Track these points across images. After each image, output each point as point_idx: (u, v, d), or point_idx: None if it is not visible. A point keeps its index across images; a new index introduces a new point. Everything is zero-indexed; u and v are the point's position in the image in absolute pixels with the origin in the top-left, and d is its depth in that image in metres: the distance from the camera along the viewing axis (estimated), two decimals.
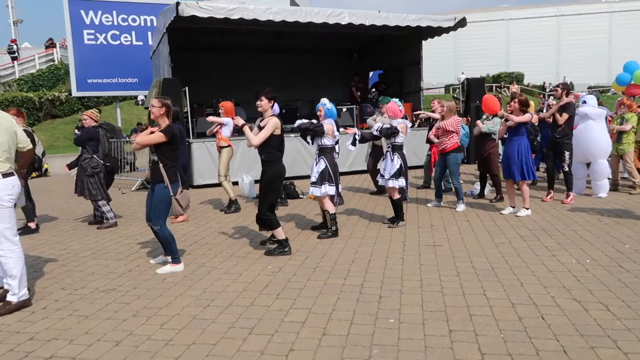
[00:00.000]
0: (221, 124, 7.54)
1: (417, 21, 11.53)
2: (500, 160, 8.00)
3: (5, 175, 3.83)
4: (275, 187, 5.24)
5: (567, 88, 7.70)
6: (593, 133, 7.60)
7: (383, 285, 4.18)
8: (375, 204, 7.92)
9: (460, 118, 8.58)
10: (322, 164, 5.81)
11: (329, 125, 5.78)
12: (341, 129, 6.26)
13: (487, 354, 2.97)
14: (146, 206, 4.87)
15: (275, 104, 5.27)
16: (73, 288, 4.39)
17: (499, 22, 47.84)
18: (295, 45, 14.28)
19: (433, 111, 8.31)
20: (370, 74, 17.22)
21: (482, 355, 2.95)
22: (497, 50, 46.81)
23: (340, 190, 6.05)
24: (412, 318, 3.50)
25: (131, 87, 16.86)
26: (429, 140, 8.74)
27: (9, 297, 3.87)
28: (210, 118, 7.85)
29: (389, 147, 6.33)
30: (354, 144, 6.10)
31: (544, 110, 8.09)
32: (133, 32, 16.34)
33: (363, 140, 6.41)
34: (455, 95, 15.54)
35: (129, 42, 16.31)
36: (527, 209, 6.70)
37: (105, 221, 6.88)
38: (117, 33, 16.16)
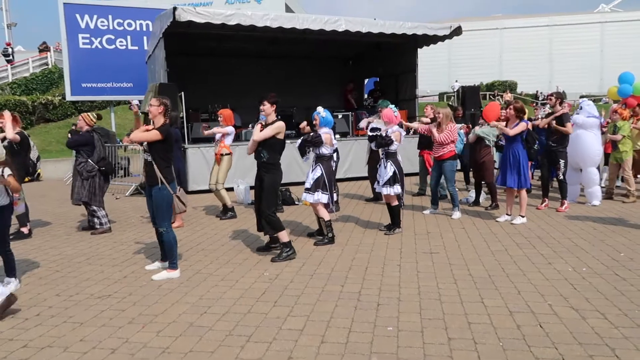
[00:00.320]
0: (225, 134, 7.51)
1: (412, 29, 11.60)
2: (496, 167, 8.05)
3: None
4: (277, 189, 5.33)
5: (561, 97, 7.78)
6: (584, 141, 7.66)
7: (381, 293, 4.16)
8: (371, 211, 7.91)
9: (460, 125, 8.64)
10: (319, 171, 5.82)
11: (326, 135, 5.81)
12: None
13: None
14: (149, 210, 4.86)
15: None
16: (67, 294, 4.34)
17: (492, 31, 48.24)
18: (292, 52, 14.31)
19: (427, 117, 8.36)
20: (366, 81, 17.30)
21: None
22: (490, 58, 47.18)
23: (336, 198, 6.04)
24: (411, 326, 3.49)
25: (126, 91, 16.76)
26: (420, 144, 8.78)
27: None
28: (215, 130, 7.72)
29: (382, 155, 6.35)
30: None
31: (540, 119, 8.14)
32: (128, 37, 16.30)
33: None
34: (451, 103, 15.63)
35: (124, 47, 16.26)
36: (522, 216, 6.72)
37: (99, 226, 6.82)
38: (113, 37, 16.12)
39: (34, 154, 7.08)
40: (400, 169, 6.24)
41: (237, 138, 10.37)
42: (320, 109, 5.98)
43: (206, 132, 8.10)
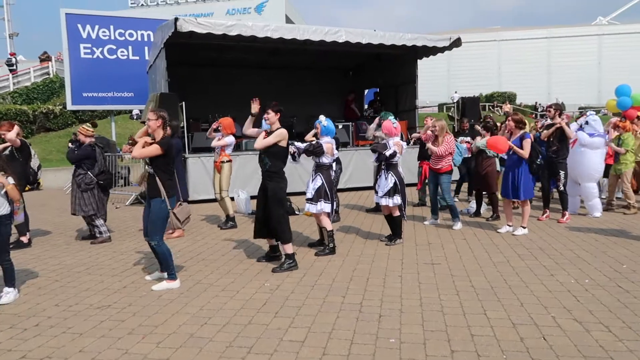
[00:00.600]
0: (225, 145, 7.53)
1: (412, 40, 11.67)
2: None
3: None
4: (282, 197, 5.31)
5: (560, 108, 7.79)
6: (588, 159, 7.66)
7: (382, 304, 4.13)
8: (372, 222, 7.89)
9: (461, 138, 8.60)
10: (319, 181, 5.81)
11: (328, 144, 5.80)
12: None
13: None
14: (143, 221, 4.81)
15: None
16: (67, 304, 4.30)
17: (491, 42, 48.62)
18: (292, 62, 14.37)
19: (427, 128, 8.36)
20: (366, 91, 17.36)
21: None
22: (489, 70, 47.48)
23: (337, 207, 6.01)
24: (413, 338, 3.46)
25: (127, 101, 16.84)
26: (421, 156, 8.75)
27: None
28: (214, 143, 7.71)
29: (384, 166, 6.34)
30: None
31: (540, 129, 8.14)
32: (130, 47, 16.38)
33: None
34: (451, 114, 15.65)
35: (125, 57, 16.34)
36: (524, 227, 6.71)
37: (98, 236, 6.80)
38: (114, 47, 16.20)
39: (34, 163, 7.07)
40: (401, 180, 6.23)
41: (238, 147, 10.38)
42: (322, 117, 5.99)
43: (209, 137, 8.06)
